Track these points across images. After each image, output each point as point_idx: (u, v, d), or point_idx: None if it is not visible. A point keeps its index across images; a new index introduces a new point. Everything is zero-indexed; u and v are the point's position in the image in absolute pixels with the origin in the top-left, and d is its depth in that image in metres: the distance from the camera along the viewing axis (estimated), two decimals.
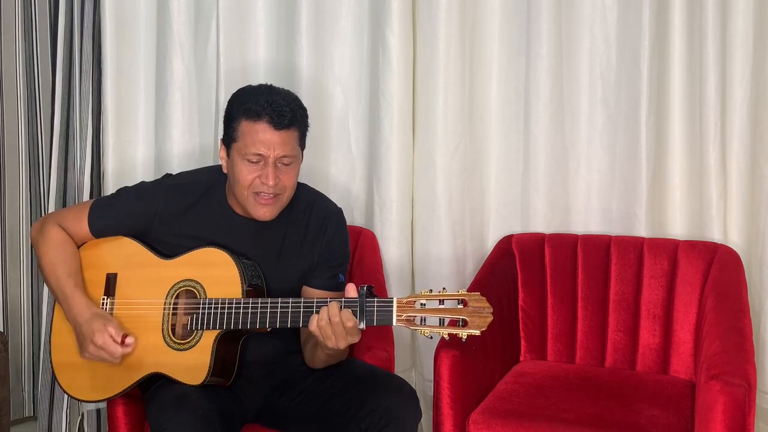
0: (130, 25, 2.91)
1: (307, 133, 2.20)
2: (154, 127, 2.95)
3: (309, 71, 2.84)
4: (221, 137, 2.17)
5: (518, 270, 2.76)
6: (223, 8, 2.82)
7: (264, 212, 2.11)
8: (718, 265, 2.56)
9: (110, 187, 2.87)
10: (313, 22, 2.81)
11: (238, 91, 2.18)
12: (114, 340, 2.08)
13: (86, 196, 2.92)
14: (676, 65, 2.63)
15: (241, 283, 2.08)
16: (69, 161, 2.97)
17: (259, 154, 2.06)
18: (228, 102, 2.16)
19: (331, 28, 2.83)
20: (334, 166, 2.90)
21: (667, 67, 2.65)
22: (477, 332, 1.90)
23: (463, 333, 1.91)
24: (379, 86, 2.77)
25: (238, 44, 2.86)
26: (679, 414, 2.30)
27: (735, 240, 2.70)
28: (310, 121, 2.81)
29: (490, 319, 1.91)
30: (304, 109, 2.16)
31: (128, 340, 2.09)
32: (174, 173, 2.35)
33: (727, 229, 2.69)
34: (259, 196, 2.09)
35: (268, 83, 2.19)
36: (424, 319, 1.92)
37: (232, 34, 2.84)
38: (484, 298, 1.92)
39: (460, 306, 1.91)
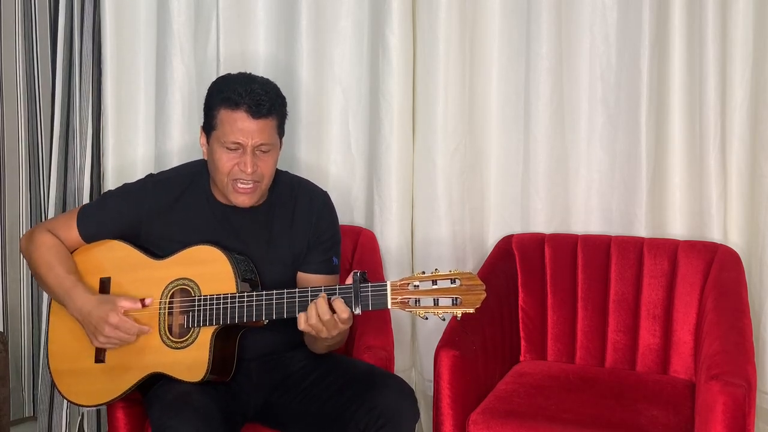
0: (130, 25, 2.91)
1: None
2: (154, 127, 2.96)
3: (309, 71, 2.84)
4: (201, 124, 2.19)
5: (518, 270, 2.76)
6: (223, 8, 2.82)
7: (243, 200, 2.14)
8: (718, 265, 2.56)
9: (110, 188, 2.86)
10: (313, 21, 2.81)
11: (218, 78, 2.21)
12: (133, 308, 2.09)
13: (86, 197, 2.93)
14: (676, 65, 2.63)
15: (235, 278, 2.08)
16: (69, 161, 2.96)
17: (238, 143, 2.09)
18: (208, 90, 2.18)
19: (331, 28, 2.83)
20: (334, 166, 2.89)
21: (667, 67, 2.65)
22: (471, 310, 1.92)
23: (458, 311, 1.92)
24: (379, 86, 2.77)
25: (238, 44, 2.86)
26: (679, 414, 2.30)
27: (735, 240, 2.70)
28: (310, 120, 2.84)
29: (483, 295, 1.92)
30: (283, 98, 2.18)
31: (147, 301, 2.12)
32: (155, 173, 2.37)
33: (727, 229, 2.69)
34: (237, 183, 2.11)
35: (248, 72, 2.20)
36: (419, 301, 1.93)
37: (232, 34, 2.84)
38: (475, 275, 1.93)
39: (453, 285, 1.93)
